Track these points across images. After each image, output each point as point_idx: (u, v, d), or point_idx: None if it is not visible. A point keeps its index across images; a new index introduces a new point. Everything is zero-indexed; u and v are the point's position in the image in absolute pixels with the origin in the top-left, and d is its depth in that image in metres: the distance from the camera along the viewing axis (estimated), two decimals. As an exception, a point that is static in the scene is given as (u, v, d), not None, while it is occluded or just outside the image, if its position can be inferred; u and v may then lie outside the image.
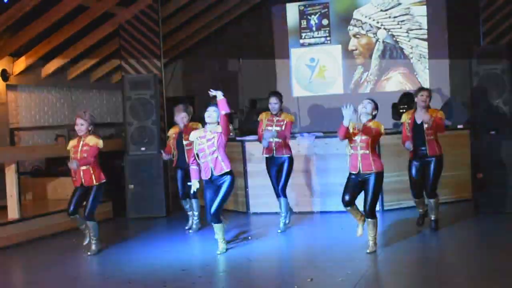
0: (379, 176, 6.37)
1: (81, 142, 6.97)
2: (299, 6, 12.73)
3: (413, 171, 7.29)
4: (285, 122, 7.70)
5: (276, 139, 7.65)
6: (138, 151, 9.54)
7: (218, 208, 6.62)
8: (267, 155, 7.77)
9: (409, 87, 11.94)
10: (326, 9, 12.58)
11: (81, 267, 6.73)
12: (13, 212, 8.01)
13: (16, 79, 10.69)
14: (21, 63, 10.60)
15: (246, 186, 9.24)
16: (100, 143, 6.96)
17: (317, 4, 12.63)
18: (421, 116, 7.18)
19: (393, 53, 12.28)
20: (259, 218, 7.85)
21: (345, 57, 12.52)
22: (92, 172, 6.92)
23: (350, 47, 12.51)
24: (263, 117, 7.85)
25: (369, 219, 6.37)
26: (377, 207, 8.77)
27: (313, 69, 12.78)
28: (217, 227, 6.70)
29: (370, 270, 5.82)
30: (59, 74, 11.51)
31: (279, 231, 7.71)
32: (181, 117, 8.05)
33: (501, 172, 8.16)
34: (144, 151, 9.52)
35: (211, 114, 6.63)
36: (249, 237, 7.48)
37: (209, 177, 6.60)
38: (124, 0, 9.80)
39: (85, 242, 7.13)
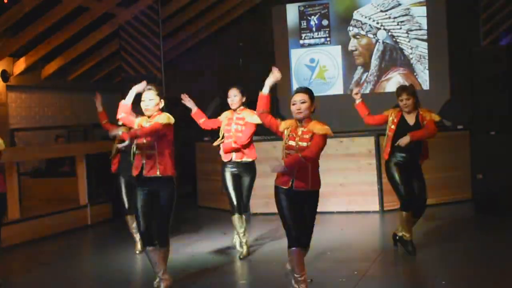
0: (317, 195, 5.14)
1: None
2: (299, 6, 12.74)
3: (395, 173, 6.18)
4: (245, 121, 6.42)
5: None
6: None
7: (164, 228, 5.23)
8: (225, 160, 6.54)
9: (409, 87, 11.93)
10: (326, 10, 12.58)
11: (81, 267, 6.73)
12: (13, 212, 8.01)
13: (16, 80, 10.71)
14: (21, 64, 10.62)
15: (246, 187, 9.22)
16: None
17: (317, 4, 12.63)
18: (411, 118, 6.15)
19: (393, 53, 12.28)
20: (259, 219, 7.85)
21: (345, 57, 12.52)
22: None
23: (350, 47, 12.51)
24: (223, 117, 6.61)
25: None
26: (377, 207, 8.85)
27: (313, 69, 12.78)
28: (162, 253, 5.25)
29: (370, 271, 5.82)
30: (59, 75, 11.53)
31: (241, 256, 6.52)
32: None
33: (501, 172, 8.16)
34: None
35: (148, 103, 5.31)
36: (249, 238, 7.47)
37: (136, 174, 5.27)
38: (124, 1, 9.80)
39: None
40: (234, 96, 6.48)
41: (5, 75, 10.41)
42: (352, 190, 8.89)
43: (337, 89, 12.55)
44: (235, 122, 6.47)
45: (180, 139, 11.94)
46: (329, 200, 8.89)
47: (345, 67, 12.54)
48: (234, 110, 6.51)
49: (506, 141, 8.18)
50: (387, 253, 6.42)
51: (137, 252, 6.93)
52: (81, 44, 10.82)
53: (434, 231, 7.37)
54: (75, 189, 9.04)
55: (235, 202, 6.48)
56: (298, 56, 12.80)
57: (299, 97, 4.87)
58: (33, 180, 10.37)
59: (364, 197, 8.85)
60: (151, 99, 5.29)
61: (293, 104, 4.88)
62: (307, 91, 4.94)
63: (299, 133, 4.87)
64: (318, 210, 7.45)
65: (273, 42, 12.93)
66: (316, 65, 12.73)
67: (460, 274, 5.68)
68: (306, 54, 12.77)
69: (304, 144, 4.81)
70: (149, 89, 5.35)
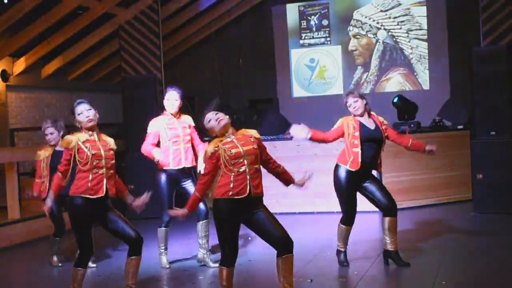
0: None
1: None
2: (299, 6, 12.75)
3: (348, 183, 5.98)
4: (188, 125, 6.20)
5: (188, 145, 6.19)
6: (138, 151, 9.52)
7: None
8: (173, 168, 6.14)
9: (409, 87, 11.96)
10: (326, 10, 12.59)
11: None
12: (13, 212, 8.01)
13: (16, 80, 10.70)
14: (21, 64, 10.62)
15: (246, 187, 9.21)
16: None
17: (317, 4, 12.65)
18: (367, 121, 5.84)
19: (393, 53, 12.29)
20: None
21: (345, 57, 12.53)
22: None
23: (350, 47, 12.52)
24: (157, 124, 6.16)
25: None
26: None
27: (313, 69, 12.79)
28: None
29: (370, 271, 5.81)
30: (59, 74, 11.53)
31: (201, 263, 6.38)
32: (50, 133, 6.80)
33: (501, 172, 8.16)
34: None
35: (88, 114, 4.80)
36: (249, 238, 7.47)
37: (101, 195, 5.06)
38: (124, 1, 9.81)
39: None
40: (175, 101, 6.11)
41: (5, 75, 10.41)
42: (352, 190, 8.88)
43: (337, 89, 12.55)
44: (182, 126, 6.16)
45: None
46: (329, 200, 8.88)
47: (345, 67, 12.54)
48: (174, 114, 6.14)
49: (506, 141, 8.18)
50: (387, 253, 6.40)
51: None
52: (81, 44, 10.82)
53: (434, 231, 7.36)
54: (75, 189, 9.02)
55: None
56: (298, 56, 12.81)
57: (216, 115, 4.47)
58: (33, 180, 10.34)
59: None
60: (89, 109, 4.79)
61: (215, 120, 4.46)
62: (222, 109, 4.54)
63: (235, 141, 4.44)
64: (319, 210, 7.47)
65: (273, 42, 12.94)
66: (316, 65, 12.74)
67: (460, 274, 5.68)
68: (306, 54, 12.78)
69: (251, 147, 4.45)
70: (82, 102, 4.84)
